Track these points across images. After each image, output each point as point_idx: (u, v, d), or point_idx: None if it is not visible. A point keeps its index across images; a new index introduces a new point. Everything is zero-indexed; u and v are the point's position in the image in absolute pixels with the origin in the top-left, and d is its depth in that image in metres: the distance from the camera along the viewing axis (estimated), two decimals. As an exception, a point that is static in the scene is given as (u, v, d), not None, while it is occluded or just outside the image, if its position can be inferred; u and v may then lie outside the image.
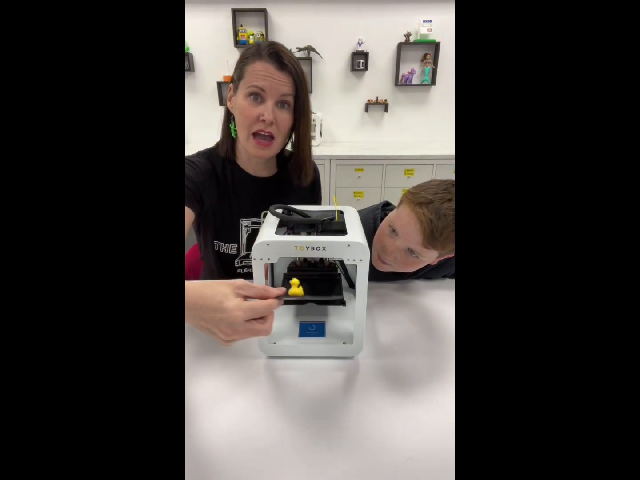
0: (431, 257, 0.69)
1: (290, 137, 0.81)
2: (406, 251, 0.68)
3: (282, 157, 0.88)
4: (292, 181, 0.87)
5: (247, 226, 0.86)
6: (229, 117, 0.81)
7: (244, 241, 0.86)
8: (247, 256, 0.88)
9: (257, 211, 0.86)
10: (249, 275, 0.86)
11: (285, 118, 0.74)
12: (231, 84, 0.79)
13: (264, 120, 0.71)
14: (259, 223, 0.87)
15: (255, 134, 0.74)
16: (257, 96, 0.72)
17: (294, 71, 0.72)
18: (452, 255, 0.71)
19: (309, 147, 0.82)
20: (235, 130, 0.79)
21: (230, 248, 0.85)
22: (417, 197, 0.66)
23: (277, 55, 0.70)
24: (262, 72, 0.70)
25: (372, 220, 0.83)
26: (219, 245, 0.86)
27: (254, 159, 0.82)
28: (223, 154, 0.82)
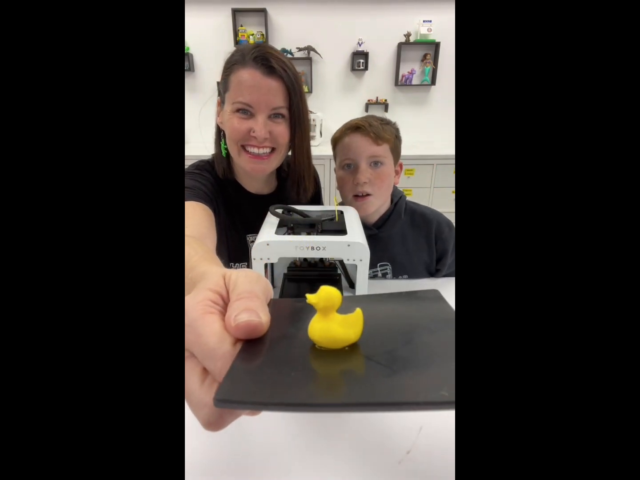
0: (389, 156, 0.78)
1: (289, 148, 0.73)
2: (369, 165, 0.76)
3: (282, 172, 0.84)
4: (292, 197, 0.81)
5: (253, 241, 0.81)
6: (220, 135, 0.74)
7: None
8: None
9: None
10: None
11: (281, 131, 0.66)
12: (218, 97, 0.71)
13: (255, 136, 0.64)
14: None
15: (246, 148, 0.67)
16: (245, 111, 0.64)
17: (285, 75, 0.62)
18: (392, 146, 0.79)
19: (308, 159, 0.74)
20: (226, 149, 0.71)
21: (241, 267, 0.83)
22: (342, 129, 0.80)
23: (263, 58, 0.61)
24: (249, 81, 0.61)
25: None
26: (231, 266, 0.82)
27: (253, 176, 0.76)
28: (221, 175, 0.74)
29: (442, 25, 2.68)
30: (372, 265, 0.82)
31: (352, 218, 0.58)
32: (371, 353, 0.18)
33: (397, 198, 0.85)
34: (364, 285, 0.50)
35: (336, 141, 0.81)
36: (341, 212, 0.61)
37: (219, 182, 0.75)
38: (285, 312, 0.20)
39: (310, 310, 0.19)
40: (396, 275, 0.84)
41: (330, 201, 2.59)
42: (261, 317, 0.19)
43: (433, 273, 0.86)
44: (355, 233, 0.51)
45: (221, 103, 0.69)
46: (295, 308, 0.21)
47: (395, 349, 0.19)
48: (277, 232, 0.51)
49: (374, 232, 0.82)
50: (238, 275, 0.21)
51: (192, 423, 0.43)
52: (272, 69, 0.61)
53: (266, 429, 0.44)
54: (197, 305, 0.20)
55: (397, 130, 0.81)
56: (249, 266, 0.82)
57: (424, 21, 2.68)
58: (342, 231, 0.52)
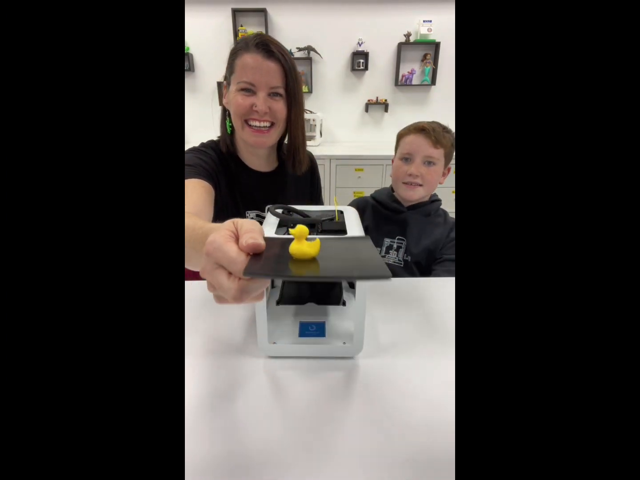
0: (441, 159, 0.92)
1: (287, 126, 0.83)
2: (424, 163, 0.91)
3: (281, 152, 0.91)
4: (292, 174, 0.89)
5: (252, 218, 0.87)
6: (225, 115, 0.84)
7: None
8: None
9: (260, 204, 0.88)
10: None
11: (279, 107, 0.76)
12: (225, 81, 0.81)
13: (257, 110, 0.73)
14: (264, 217, 0.89)
15: (249, 123, 0.76)
16: (248, 90, 0.74)
17: (283, 59, 0.73)
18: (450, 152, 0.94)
19: (302, 134, 0.84)
20: (231, 126, 0.81)
21: None
22: (409, 127, 0.94)
23: (264, 44, 0.72)
24: (251, 64, 0.71)
25: (364, 200, 1.04)
26: None
27: (254, 152, 0.84)
28: (224, 150, 0.84)
29: (442, 25, 2.68)
30: (392, 235, 0.96)
31: (352, 218, 0.58)
32: (323, 260, 0.31)
33: (436, 199, 1.00)
34: (364, 285, 0.50)
35: (401, 136, 0.96)
36: (341, 212, 0.61)
37: (222, 158, 0.83)
38: (272, 243, 0.32)
39: (286, 244, 0.33)
40: (404, 252, 0.96)
41: (330, 201, 2.59)
42: (261, 241, 0.30)
43: (431, 260, 0.95)
44: (355, 233, 0.51)
45: (227, 86, 0.79)
46: (276, 241, 0.34)
47: (336, 258, 0.33)
48: (277, 232, 0.51)
49: (403, 210, 0.97)
50: (243, 220, 0.33)
51: (192, 423, 0.43)
52: (271, 52, 0.72)
53: (265, 429, 0.44)
54: (221, 237, 0.30)
55: (454, 139, 0.94)
56: None
57: (424, 21, 2.68)
58: (342, 231, 0.52)
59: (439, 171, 0.93)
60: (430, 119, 1.00)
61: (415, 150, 0.91)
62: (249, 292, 0.29)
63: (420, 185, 0.92)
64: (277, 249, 0.32)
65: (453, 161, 0.94)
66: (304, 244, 0.31)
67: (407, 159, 0.93)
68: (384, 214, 0.98)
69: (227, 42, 2.76)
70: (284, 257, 0.31)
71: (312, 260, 0.31)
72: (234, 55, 0.75)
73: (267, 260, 0.30)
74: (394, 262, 0.95)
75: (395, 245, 0.95)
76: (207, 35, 2.75)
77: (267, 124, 0.76)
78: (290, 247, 0.31)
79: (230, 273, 0.29)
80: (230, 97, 0.77)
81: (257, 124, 0.76)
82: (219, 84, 2.85)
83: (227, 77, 0.79)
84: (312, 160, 0.98)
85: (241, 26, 2.71)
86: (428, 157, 0.90)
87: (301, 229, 0.31)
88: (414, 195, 0.94)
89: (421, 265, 0.94)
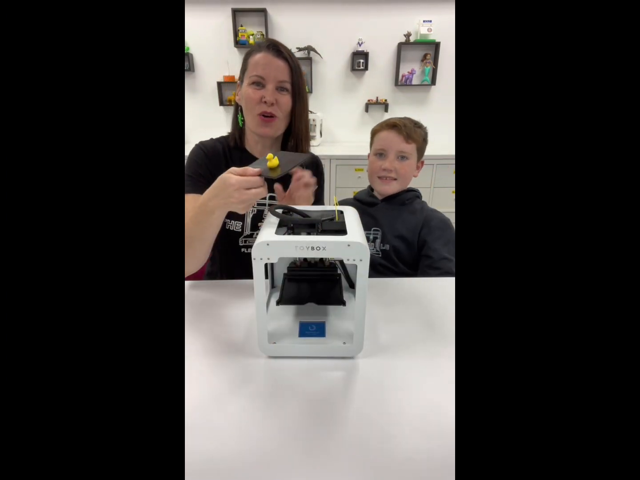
0: (414, 154, 0.98)
1: (291, 118, 0.92)
2: (397, 158, 0.96)
3: (286, 146, 0.96)
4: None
5: (256, 206, 0.93)
6: (237, 110, 0.93)
7: (248, 220, 0.93)
8: (251, 235, 0.94)
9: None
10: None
11: (285, 100, 0.85)
12: (238, 81, 0.91)
13: (265, 102, 0.83)
14: (264, 204, 0.93)
15: (259, 115, 0.86)
16: (258, 83, 0.84)
17: (290, 59, 0.84)
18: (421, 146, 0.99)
19: (306, 127, 0.93)
20: (242, 120, 0.91)
21: (235, 225, 0.93)
22: (382, 124, 0.99)
23: (274, 45, 0.84)
24: (262, 61, 0.83)
25: (345, 201, 1.11)
26: (225, 221, 0.91)
27: (260, 142, 0.91)
28: (233, 144, 0.93)
29: (442, 25, 2.68)
30: (367, 227, 0.99)
31: (351, 218, 0.58)
32: (281, 167, 0.62)
33: (413, 191, 1.03)
34: (364, 285, 0.50)
35: (375, 133, 1.01)
36: (341, 212, 0.61)
37: (228, 152, 0.93)
38: (258, 166, 0.61)
39: (264, 164, 0.62)
40: (381, 242, 1.00)
41: (330, 201, 2.58)
42: (257, 169, 0.59)
43: (412, 249, 0.97)
44: (355, 233, 0.51)
45: (240, 85, 0.89)
46: (258, 166, 0.61)
47: (286, 163, 0.63)
48: (277, 232, 0.51)
49: (376, 202, 1.01)
50: (230, 169, 0.60)
51: (192, 423, 0.43)
52: (280, 52, 0.83)
53: (265, 429, 0.44)
54: (237, 175, 0.58)
55: (426, 134, 1.01)
56: (243, 226, 0.93)
57: (424, 21, 2.68)
58: (342, 231, 0.52)
59: (412, 165, 0.98)
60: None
61: (388, 145, 0.96)
62: (266, 188, 0.60)
63: (395, 179, 0.97)
64: (262, 168, 0.60)
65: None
66: (272, 160, 0.61)
67: (381, 154, 0.98)
68: (360, 208, 1.00)
69: (227, 42, 2.76)
70: (267, 170, 0.60)
71: (277, 167, 0.61)
72: (247, 56, 0.86)
73: (264, 172, 0.60)
74: (373, 252, 0.98)
75: (371, 237, 0.99)
76: (207, 35, 2.75)
77: (272, 115, 0.86)
78: (267, 164, 0.61)
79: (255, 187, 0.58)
80: (242, 91, 0.87)
81: (264, 114, 0.85)
82: (219, 84, 2.85)
83: (241, 76, 0.88)
84: (317, 162, 1.04)
85: (241, 26, 2.71)
86: (401, 152, 0.96)
87: (269, 155, 0.61)
88: (389, 189, 0.98)
89: (400, 253, 0.96)
